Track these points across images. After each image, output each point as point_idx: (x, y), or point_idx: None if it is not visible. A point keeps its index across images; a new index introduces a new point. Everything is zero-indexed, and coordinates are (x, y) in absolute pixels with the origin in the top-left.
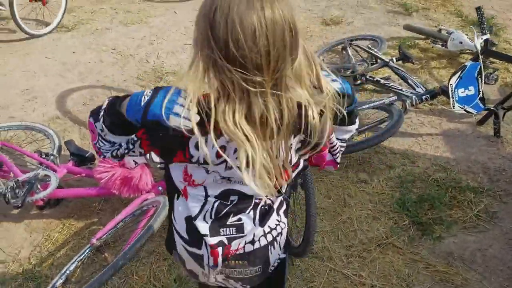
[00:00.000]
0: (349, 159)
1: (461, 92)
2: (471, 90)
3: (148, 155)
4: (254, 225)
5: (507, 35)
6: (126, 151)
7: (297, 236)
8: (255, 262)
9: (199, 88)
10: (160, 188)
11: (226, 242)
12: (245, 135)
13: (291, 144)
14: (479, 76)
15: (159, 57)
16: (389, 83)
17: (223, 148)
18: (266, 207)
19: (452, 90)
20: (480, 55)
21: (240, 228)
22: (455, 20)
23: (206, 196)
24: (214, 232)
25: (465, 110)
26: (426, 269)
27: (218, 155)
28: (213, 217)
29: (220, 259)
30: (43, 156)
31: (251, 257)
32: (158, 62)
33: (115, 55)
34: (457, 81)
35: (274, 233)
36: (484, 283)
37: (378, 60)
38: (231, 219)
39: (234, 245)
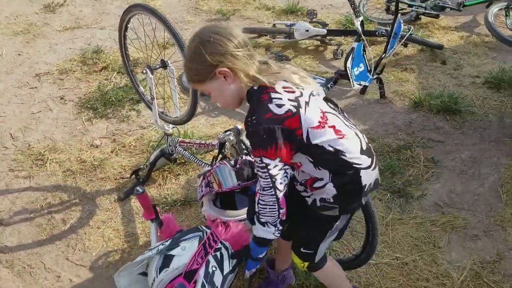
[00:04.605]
0: None
1: (356, 71)
2: (361, 67)
3: None
4: None
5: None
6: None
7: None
8: None
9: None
10: None
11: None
12: None
13: None
14: (364, 53)
15: (15, 138)
16: None
17: None
18: None
19: (350, 71)
20: (362, 35)
21: None
22: (266, 13)
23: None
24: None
25: (360, 84)
26: (433, 225)
27: None
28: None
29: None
30: None
31: None
32: (20, 144)
33: None
34: (351, 62)
35: None
36: (478, 214)
37: None
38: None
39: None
